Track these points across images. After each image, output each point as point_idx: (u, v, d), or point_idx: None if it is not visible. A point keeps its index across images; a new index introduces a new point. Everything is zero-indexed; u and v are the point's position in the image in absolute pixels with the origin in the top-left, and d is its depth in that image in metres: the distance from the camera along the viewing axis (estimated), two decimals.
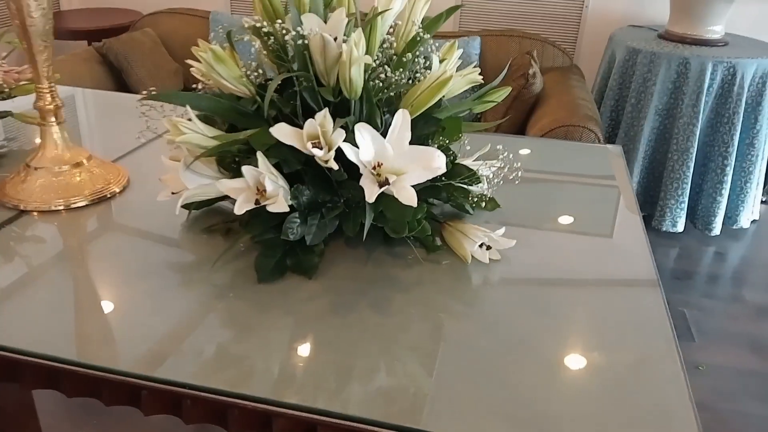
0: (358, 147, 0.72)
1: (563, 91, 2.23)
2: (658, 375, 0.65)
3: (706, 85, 2.36)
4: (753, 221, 2.69)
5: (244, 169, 0.73)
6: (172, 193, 0.86)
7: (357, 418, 0.59)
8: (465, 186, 0.87)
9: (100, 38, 2.58)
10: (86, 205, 0.96)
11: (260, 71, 0.81)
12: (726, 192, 2.49)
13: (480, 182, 0.88)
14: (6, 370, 0.70)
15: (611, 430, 0.59)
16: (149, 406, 0.66)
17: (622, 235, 0.94)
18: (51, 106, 0.95)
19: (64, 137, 0.98)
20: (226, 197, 0.85)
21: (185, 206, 0.89)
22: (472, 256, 0.83)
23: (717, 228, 2.54)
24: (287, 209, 0.74)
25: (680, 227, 2.53)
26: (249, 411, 0.62)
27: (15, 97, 1.14)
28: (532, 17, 2.97)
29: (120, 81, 2.48)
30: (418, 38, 0.84)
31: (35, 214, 0.94)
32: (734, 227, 2.61)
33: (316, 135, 0.72)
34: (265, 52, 0.82)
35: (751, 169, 2.51)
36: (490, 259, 0.83)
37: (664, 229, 2.53)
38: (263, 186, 0.74)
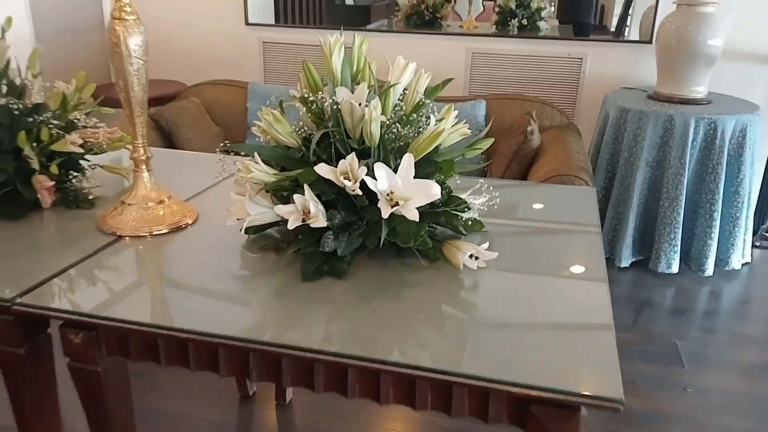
0: (376, 180, 1.00)
1: (560, 145, 2.51)
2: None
3: (690, 139, 2.63)
4: (745, 263, 2.89)
5: (295, 197, 1.01)
6: (237, 219, 1.14)
7: (380, 360, 0.85)
8: (458, 213, 1.14)
9: (152, 105, 2.94)
10: (166, 233, 1.25)
11: (305, 128, 1.10)
12: (716, 236, 2.72)
13: (470, 209, 1.15)
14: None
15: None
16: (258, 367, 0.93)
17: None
18: (143, 157, 1.25)
19: (152, 181, 1.28)
20: (276, 223, 1.14)
21: (246, 230, 1.17)
22: (464, 264, 1.09)
23: (709, 269, 2.75)
24: (324, 225, 1.02)
25: (675, 269, 2.75)
26: (299, 359, 0.88)
27: (106, 152, 1.45)
28: (535, 82, 3.30)
29: (169, 142, 2.82)
30: (421, 103, 1.13)
31: (127, 239, 1.23)
32: (726, 269, 2.82)
33: (346, 172, 1.00)
34: (308, 114, 1.11)
35: (737, 215, 2.74)
36: (477, 267, 1.09)
37: (659, 270, 2.75)
38: (308, 209, 1.02)
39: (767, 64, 3.01)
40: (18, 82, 1.39)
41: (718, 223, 2.70)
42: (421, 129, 1.12)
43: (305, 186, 1.02)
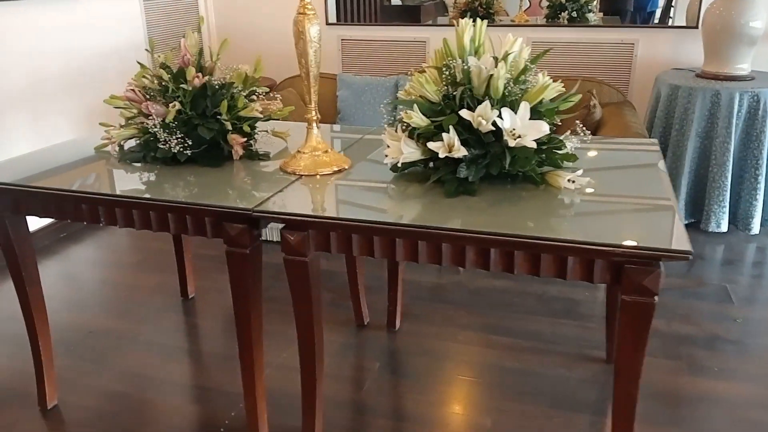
0: (503, 120, 1.40)
1: (618, 118, 2.87)
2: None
3: (735, 111, 2.95)
4: None
5: (444, 135, 1.42)
6: (392, 158, 1.56)
7: (516, 234, 1.25)
8: (556, 149, 1.53)
9: None
10: (331, 173, 1.67)
11: (445, 88, 1.50)
12: (761, 197, 3.03)
13: (565, 147, 1.54)
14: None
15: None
16: (425, 251, 1.34)
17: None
18: (315, 118, 1.68)
19: (318, 135, 1.70)
20: (421, 161, 1.54)
21: (393, 168, 1.59)
22: (563, 187, 1.48)
23: (756, 228, 3.07)
24: (465, 155, 1.42)
25: (724, 228, 3.07)
26: (454, 237, 1.29)
27: (270, 119, 1.88)
28: (590, 66, 3.64)
29: None
30: (528, 67, 1.52)
31: (303, 176, 1.65)
32: None
33: (482, 114, 1.41)
34: (445, 77, 1.51)
35: None
36: (574, 188, 1.48)
37: (710, 230, 3.07)
38: (453, 144, 1.42)
39: None
40: (207, 65, 1.82)
41: (762, 185, 3.01)
42: (528, 87, 1.52)
43: (450, 127, 1.43)
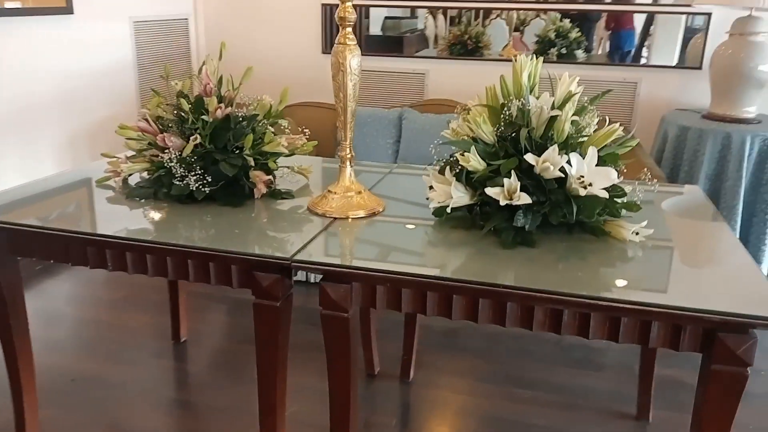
0: (570, 165, 1.28)
1: (633, 159, 2.79)
2: None
3: (746, 154, 2.90)
4: None
5: (505, 180, 1.29)
6: (439, 202, 1.42)
7: (592, 296, 1.12)
8: (617, 198, 1.41)
9: None
10: (364, 216, 1.52)
11: (500, 129, 1.38)
12: None
13: (626, 194, 1.42)
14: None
15: None
16: (484, 309, 1.20)
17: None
18: (349, 156, 1.53)
19: (352, 175, 1.56)
20: (467, 206, 1.41)
21: (436, 213, 1.45)
22: (628, 239, 1.36)
23: (764, 272, 3.01)
24: (530, 202, 1.29)
25: None
26: (524, 297, 1.15)
27: (294, 155, 1.73)
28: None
29: None
30: (586, 108, 1.41)
31: (334, 218, 1.50)
32: None
33: (548, 159, 1.28)
34: (503, 117, 1.39)
35: None
36: (639, 240, 1.36)
37: None
38: (514, 189, 1.29)
39: None
40: (226, 94, 1.66)
41: None
42: (585, 128, 1.40)
43: (512, 172, 1.30)
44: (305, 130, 1.71)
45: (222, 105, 1.56)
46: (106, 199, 1.63)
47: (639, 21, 3.65)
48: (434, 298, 1.24)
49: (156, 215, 1.52)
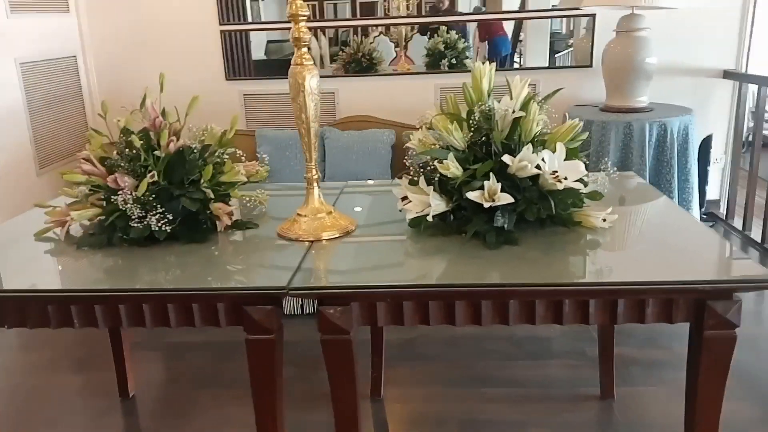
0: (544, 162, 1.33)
1: None
2: None
3: (647, 140, 3.14)
4: None
5: (485, 183, 1.32)
6: (416, 213, 1.42)
7: (590, 282, 1.17)
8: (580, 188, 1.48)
9: None
10: (338, 236, 1.50)
11: (470, 135, 1.41)
12: None
13: (586, 185, 1.49)
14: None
15: None
16: (487, 308, 1.21)
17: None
18: (315, 177, 1.50)
19: (320, 196, 1.53)
20: (440, 214, 1.42)
21: (412, 223, 1.45)
22: (598, 227, 1.43)
23: None
24: (512, 201, 1.32)
25: None
26: (524, 292, 1.18)
27: (251, 182, 1.67)
28: None
29: None
30: (542, 106, 1.47)
31: (306, 242, 1.46)
32: None
33: (523, 159, 1.32)
34: (471, 123, 1.42)
35: (690, 199, 3.28)
36: (608, 226, 1.43)
37: None
38: (494, 191, 1.32)
39: (686, 76, 3.65)
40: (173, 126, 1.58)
41: None
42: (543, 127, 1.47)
43: (491, 174, 1.33)
44: (264, 156, 1.65)
45: (174, 138, 1.48)
46: (53, 252, 1.49)
47: (509, 27, 3.93)
48: (437, 306, 1.24)
49: (117, 262, 1.41)
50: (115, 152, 1.50)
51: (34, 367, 2.50)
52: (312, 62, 1.44)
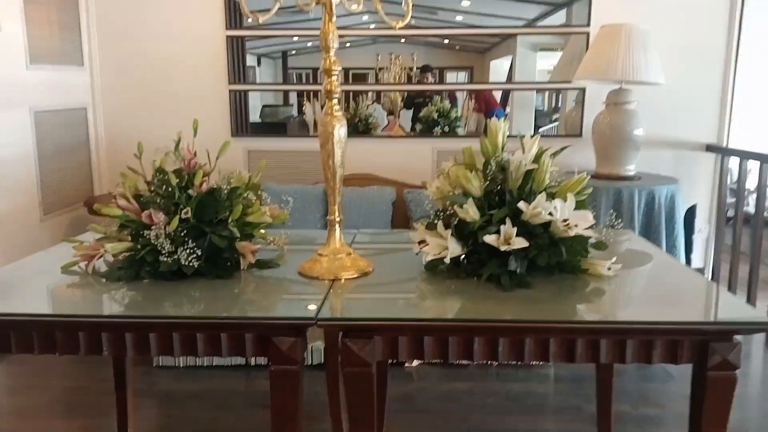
0: (557, 210, 1.43)
1: None
2: None
3: (635, 206, 3.29)
4: None
5: (504, 228, 1.41)
6: (434, 255, 1.50)
7: (602, 321, 1.25)
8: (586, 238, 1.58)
9: None
10: (357, 277, 1.57)
11: (486, 183, 1.51)
12: None
13: (593, 236, 1.59)
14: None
15: None
16: (504, 347, 1.27)
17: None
18: (338, 219, 1.59)
19: (341, 238, 1.60)
20: (454, 258, 1.50)
21: (428, 266, 1.53)
22: (603, 274, 1.52)
23: None
24: (525, 245, 1.41)
25: None
26: (538, 329, 1.25)
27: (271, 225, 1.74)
28: None
29: None
30: (552, 161, 1.59)
31: (325, 281, 1.53)
32: None
33: (536, 206, 1.42)
34: (484, 172, 1.52)
35: None
36: (613, 273, 1.53)
37: None
38: (510, 236, 1.41)
39: (671, 148, 3.85)
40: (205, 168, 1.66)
41: None
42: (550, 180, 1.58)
43: (507, 219, 1.43)
44: (289, 198, 1.74)
45: (207, 178, 1.57)
46: (80, 285, 1.54)
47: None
48: (456, 342, 1.30)
49: (145, 295, 1.46)
50: (148, 190, 1.57)
51: (31, 413, 2.48)
52: (341, 113, 1.55)
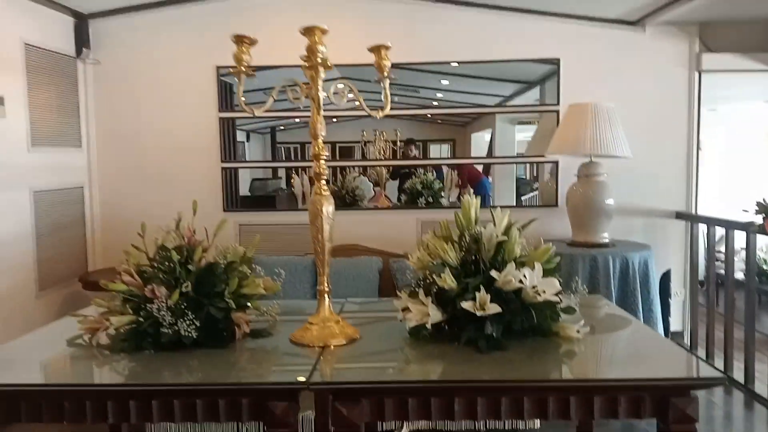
0: (526, 279, 1.57)
1: None
2: None
3: (611, 272, 3.44)
4: None
5: (479, 295, 1.54)
6: (416, 322, 1.63)
7: (574, 378, 1.36)
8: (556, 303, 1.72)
9: None
10: (345, 344, 1.68)
11: (462, 254, 1.65)
12: None
13: (561, 301, 1.73)
14: None
15: None
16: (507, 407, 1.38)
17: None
18: (327, 289, 1.72)
19: (330, 307, 1.73)
20: (435, 325, 1.63)
21: (412, 332, 1.65)
22: (573, 337, 1.65)
23: None
24: (498, 310, 1.54)
25: None
26: (532, 389, 1.37)
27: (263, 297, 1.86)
28: None
29: None
30: (520, 233, 1.74)
31: (315, 348, 1.64)
32: None
33: (507, 274, 1.56)
34: (458, 244, 1.67)
35: (654, 328, 3.52)
36: (582, 336, 1.65)
37: None
38: (485, 302, 1.55)
39: (643, 216, 4.05)
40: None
41: None
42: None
43: (481, 286, 1.56)
44: (281, 271, 1.87)
45: (205, 254, 1.70)
46: (84, 356, 1.64)
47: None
48: (438, 403, 1.41)
49: (147, 365, 1.56)
50: (150, 266, 1.70)
51: None
52: (329, 193, 1.71)
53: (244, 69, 1.58)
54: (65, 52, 3.75)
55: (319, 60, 1.58)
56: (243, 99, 1.60)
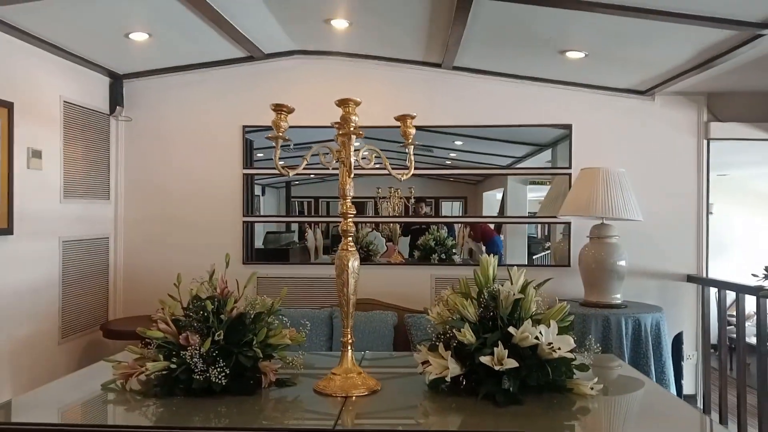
0: (542, 335, 1.65)
1: None
2: None
3: (623, 333, 3.49)
4: None
5: (496, 349, 1.62)
6: (433, 373, 1.70)
7: None
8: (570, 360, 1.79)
9: None
10: (366, 394, 1.75)
11: (480, 310, 1.74)
12: None
13: (575, 358, 1.80)
14: None
15: None
16: None
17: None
18: (350, 341, 1.80)
19: (353, 358, 1.81)
20: (453, 378, 1.70)
21: (432, 384, 1.72)
22: (587, 394, 1.71)
23: None
24: (515, 365, 1.62)
25: None
26: None
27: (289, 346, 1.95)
28: None
29: None
30: (535, 291, 1.82)
31: (338, 397, 1.71)
32: None
33: (525, 331, 1.64)
34: (476, 301, 1.75)
35: (667, 390, 3.54)
36: (595, 393, 1.72)
37: None
38: (502, 357, 1.62)
39: (654, 278, 4.10)
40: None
41: None
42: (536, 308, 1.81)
43: (499, 342, 1.64)
44: (306, 322, 1.96)
45: (237, 305, 1.80)
46: (121, 400, 1.72)
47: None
48: None
49: (178, 409, 1.64)
50: (183, 315, 1.80)
51: None
52: (354, 249, 1.81)
53: (280, 135, 1.72)
54: (100, 110, 3.96)
55: (352, 128, 1.72)
56: (281, 163, 1.73)
